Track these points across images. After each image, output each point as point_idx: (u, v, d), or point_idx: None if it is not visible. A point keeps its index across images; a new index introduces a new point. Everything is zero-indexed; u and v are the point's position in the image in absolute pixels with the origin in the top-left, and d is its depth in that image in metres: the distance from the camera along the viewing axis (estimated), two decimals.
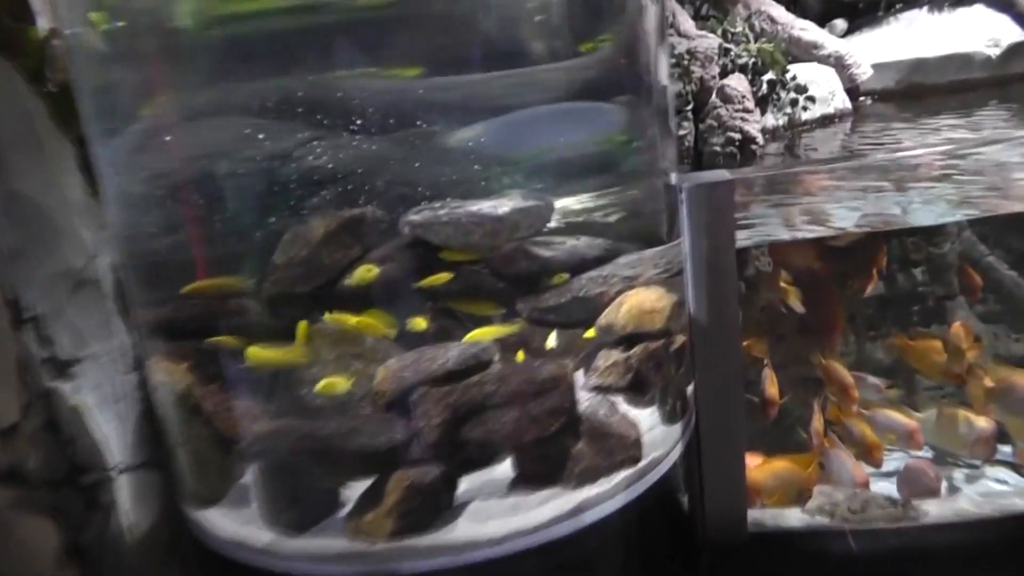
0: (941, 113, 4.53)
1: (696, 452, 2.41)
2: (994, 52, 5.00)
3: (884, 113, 4.70)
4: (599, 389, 2.25)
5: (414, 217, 1.99)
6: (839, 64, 4.57)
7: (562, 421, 1.95)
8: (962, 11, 5.19)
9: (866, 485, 3.29)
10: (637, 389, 2.23)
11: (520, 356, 2.05)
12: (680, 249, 2.28)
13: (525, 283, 2.26)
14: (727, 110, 3.73)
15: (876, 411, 3.67)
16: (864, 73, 4.68)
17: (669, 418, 2.26)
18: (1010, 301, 4.29)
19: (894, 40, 5.05)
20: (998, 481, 4.04)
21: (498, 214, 2.17)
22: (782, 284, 3.77)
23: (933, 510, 2.98)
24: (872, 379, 3.89)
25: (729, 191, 2.27)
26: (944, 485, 3.54)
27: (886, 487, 3.84)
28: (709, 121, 3.72)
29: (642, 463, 2.08)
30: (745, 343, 3.86)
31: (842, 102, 4.48)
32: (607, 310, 2.29)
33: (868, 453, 3.54)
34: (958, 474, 4.11)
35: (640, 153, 2.40)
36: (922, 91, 4.96)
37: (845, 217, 3.28)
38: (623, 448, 2.05)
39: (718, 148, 3.70)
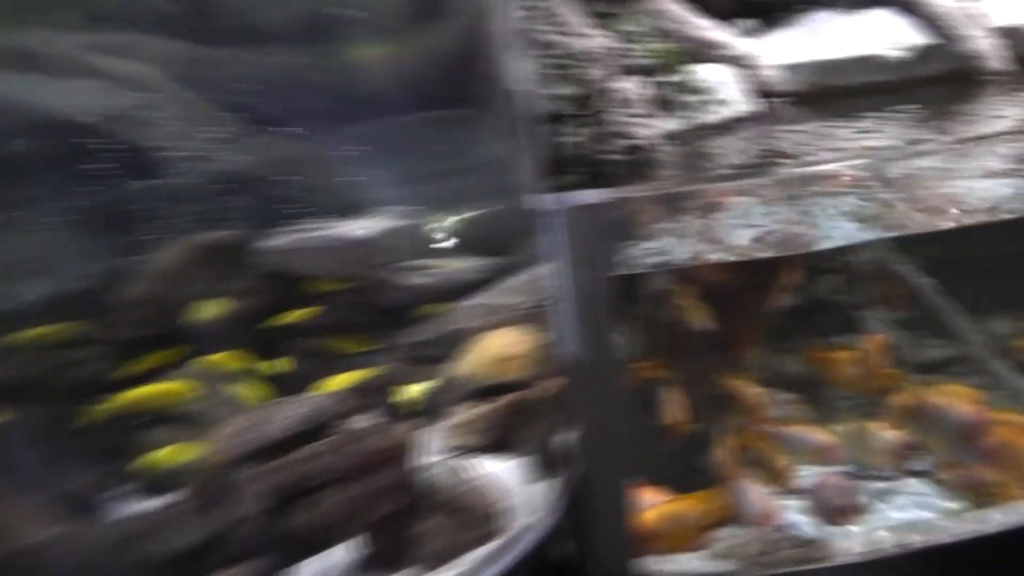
0: (853, 115, 4.41)
1: (580, 505, 2.18)
2: (900, 55, 4.86)
3: (792, 115, 4.52)
4: (459, 449, 1.99)
5: (274, 243, 1.74)
6: (746, 65, 4.35)
7: (410, 495, 1.68)
8: (873, 13, 5.05)
9: (773, 517, 3.10)
10: (501, 448, 2.00)
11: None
12: (555, 275, 2.04)
13: (398, 315, 2.04)
14: (621, 115, 3.47)
15: (790, 428, 3.50)
16: (771, 74, 4.47)
17: (544, 474, 2.02)
18: (925, 309, 4.13)
19: (804, 41, 4.87)
20: (916, 494, 3.91)
21: (367, 236, 1.93)
22: (684, 300, 3.54)
23: (849, 546, 2.78)
24: (782, 395, 3.72)
25: (607, 213, 2.06)
26: (861, 502, 3.38)
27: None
28: (604, 127, 3.45)
29: (513, 531, 1.80)
30: (648, 366, 3.63)
31: (746, 104, 4.26)
32: (463, 357, 2.05)
33: (778, 481, 3.36)
34: (875, 487, 3.96)
35: (494, 169, 2.17)
36: (833, 93, 4.76)
37: (747, 236, 3.07)
38: (486, 520, 1.80)
39: (612, 156, 3.44)
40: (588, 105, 3.46)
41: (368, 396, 1.90)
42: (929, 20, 4.93)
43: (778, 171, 3.33)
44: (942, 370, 4.19)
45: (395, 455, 1.75)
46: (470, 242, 2.17)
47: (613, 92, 3.52)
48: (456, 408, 1.99)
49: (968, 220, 3.02)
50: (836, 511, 3.25)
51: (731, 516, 3.18)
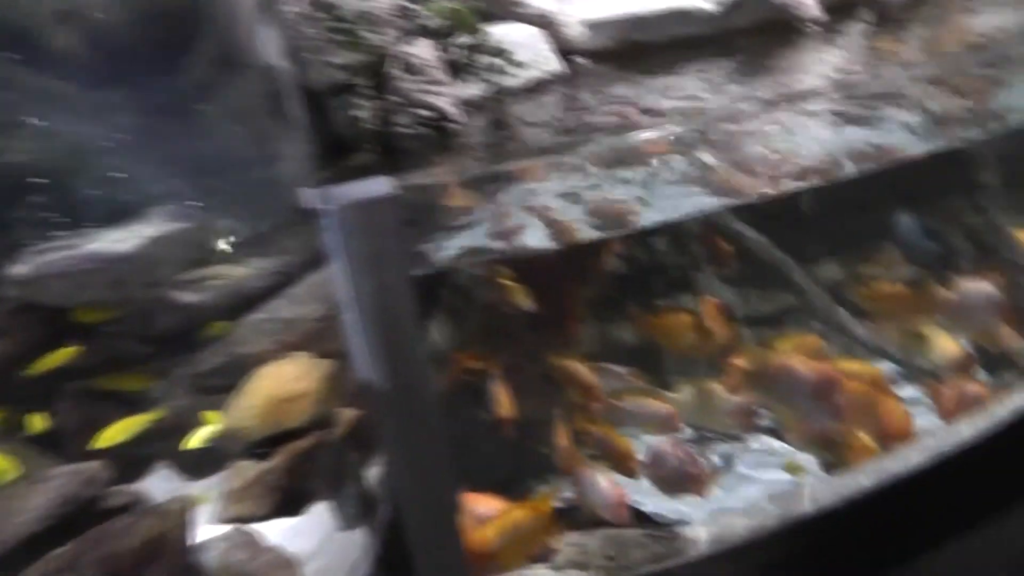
0: (664, 71, 4.20)
1: (402, 545, 1.83)
2: (712, 6, 4.67)
3: (603, 74, 4.28)
4: (236, 521, 1.61)
5: (19, 269, 1.36)
6: (546, 23, 4.07)
7: None
8: None
9: (623, 505, 2.84)
10: (290, 509, 1.63)
11: None
12: (343, 281, 1.69)
13: (177, 342, 1.67)
14: (412, 83, 3.11)
15: (627, 400, 3.25)
16: (575, 32, 4.21)
17: (348, 525, 1.66)
18: (757, 264, 3.96)
19: None
20: (766, 452, 3.77)
21: (128, 250, 1.53)
22: (504, 281, 3.23)
23: (703, 534, 2.54)
24: (616, 368, 3.47)
25: (391, 207, 1.70)
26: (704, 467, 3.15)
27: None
28: (392, 97, 3.09)
29: None
30: (470, 358, 3.31)
31: (553, 64, 3.98)
32: (232, 404, 1.68)
33: (622, 464, 3.10)
34: (724, 449, 3.79)
35: (258, 158, 1.80)
36: (642, 49, 4.54)
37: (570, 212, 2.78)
38: None
39: (406, 129, 3.09)
40: (375, 74, 3.09)
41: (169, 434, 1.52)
42: None
43: (592, 140, 3.04)
44: (781, 322, 4.06)
45: (154, 548, 1.35)
46: (246, 245, 1.78)
47: (402, 58, 3.16)
48: (234, 468, 1.60)
49: (791, 180, 2.83)
50: (678, 480, 3.03)
51: (578, 512, 2.92)
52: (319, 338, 1.78)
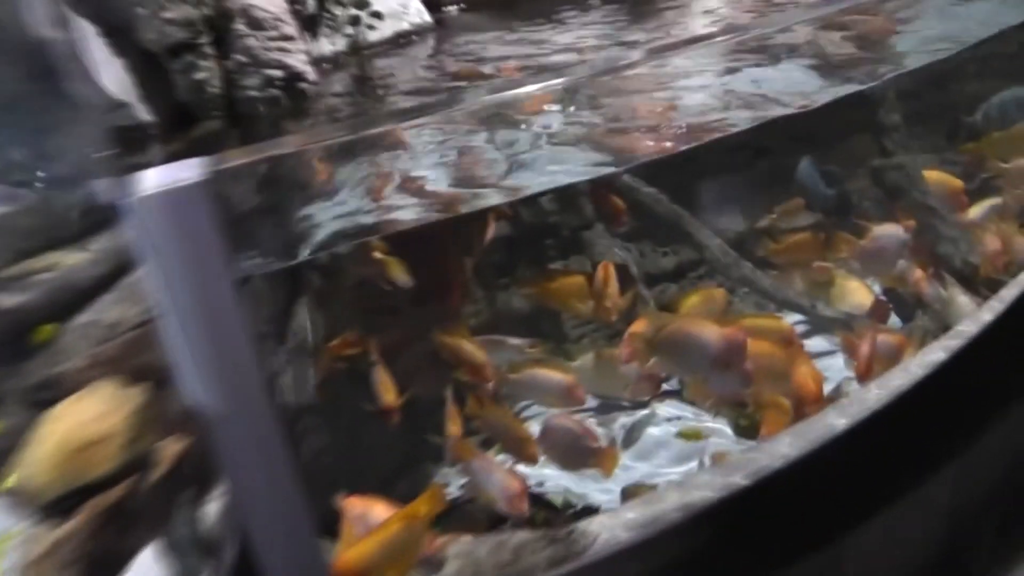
0: (542, 20, 3.90)
1: None
2: None
3: (475, 24, 3.96)
4: None
5: None
6: None
7: None
8: None
9: (522, 498, 2.58)
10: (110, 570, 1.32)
11: None
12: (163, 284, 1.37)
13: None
14: (259, 39, 2.74)
15: (525, 373, 2.99)
16: None
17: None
18: (651, 218, 3.73)
19: None
20: (671, 419, 3.58)
21: None
22: (377, 255, 2.91)
23: (605, 527, 2.30)
24: (513, 340, 3.20)
25: (200, 196, 1.37)
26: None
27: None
28: (237, 56, 2.72)
29: None
30: (346, 343, 3.00)
31: (419, 15, 3.63)
32: (22, 455, 1.34)
33: (520, 449, 2.85)
34: (626, 420, 3.58)
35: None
36: None
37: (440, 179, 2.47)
38: None
39: (255, 92, 2.72)
40: (218, 30, 2.71)
41: None
42: None
43: (467, 96, 2.73)
44: (683, 278, 3.85)
45: None
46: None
47: (247, 11, 2.78)
48: (28, 535, 1.27)
49: (684, 133, 2.58)
50: (577, 455, 2.80)
51: (473, 507, 2.66)
52: (139, 349, 1.45)
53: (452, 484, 3.16)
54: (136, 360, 1.47)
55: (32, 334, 1.42)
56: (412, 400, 2.96)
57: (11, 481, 1.26)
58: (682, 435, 3.45)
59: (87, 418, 1.30)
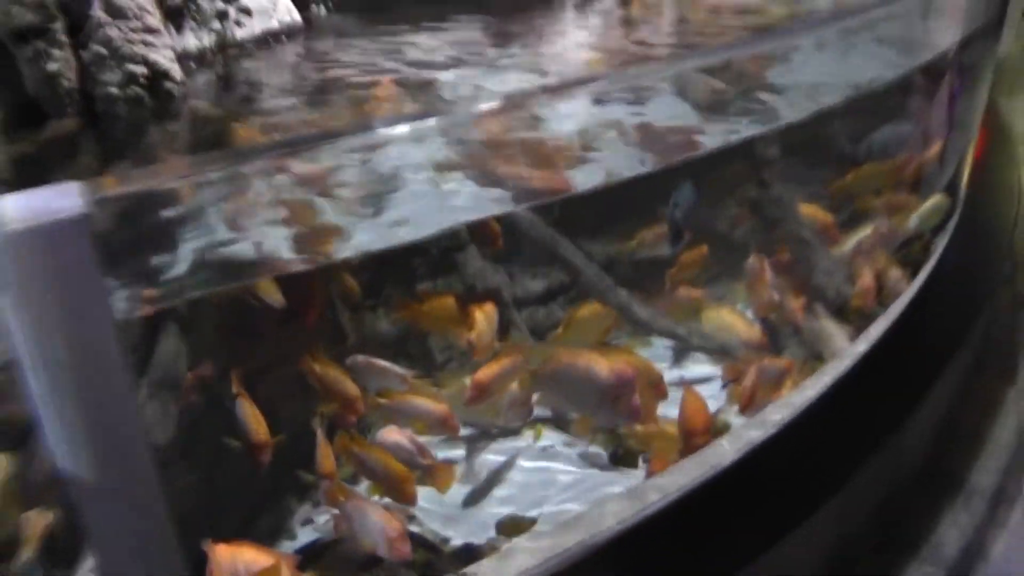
0: (412, 25, 3.78)
1: None
2: None
3: (344, 27, 3.74)
4: None
5: None
6: None
7: None
8: None
9: (403, 540, 2.40)
10: None
11: None
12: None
13: None
14: (120, 30, 2.44)
15: (397, 400, 2.83)
16: None
17: None
18: (526, 240, 3.61)
19: None
20: (544, 450, 3.48)
21: None
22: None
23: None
24: (397, 369, 3.03)
25: (82, 231, 1.14)
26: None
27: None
28: (95, 47, 2.40)
29: None
30: (209, 373, 2.72)
31: (288, 13, 3.40)
32: None
33: (398, 489, 2.66)
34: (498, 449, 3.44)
35: None
36: None
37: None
38: None
39: (115, 89, 2.41)
40: (70, 15, 2.40)
41: None
42: None
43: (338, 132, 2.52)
44: (553, 301, 3.74)
45: None
46: None
47: None
48: None
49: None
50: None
51: (353, 542, 2.44)
52: None
53: (319, 521, 2.94)
54: None
55: None
56: (282, 432, 2.70)
57: None
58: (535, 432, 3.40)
59: None
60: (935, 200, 3.75)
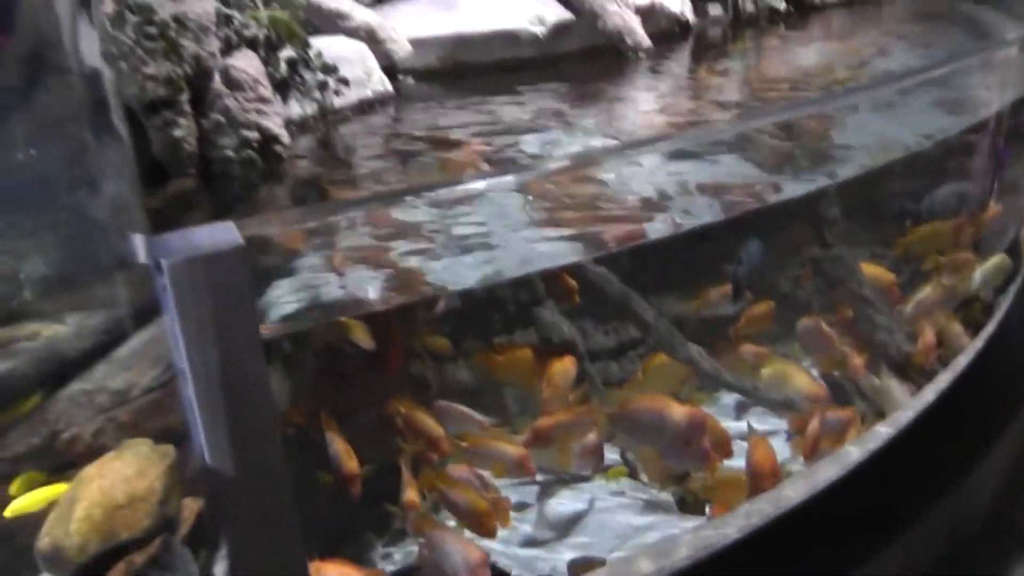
0: (494, 96, 4.05)
1: None
2: (540, 30, 4.63)
3: (431, 95, 4.05)
4: None
5: None
6: (372, 38, 3.79)
7: None
8: None
9: (483, 568, 2.57)
10: None
11: None
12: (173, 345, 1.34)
13: None
14: (237, 100, 2.73)
15: (479, 443, 3.01)
16: (402, 49, 3.93)
17: None
18: (599, 296, 3.79)
19: (432, 14, 4.46)
20: (615, 496, 3.60)
21: None
22: (343, 320, 2.89)
23: None
24: (477, 416, 3.22)
25: (239, 262, 1.36)
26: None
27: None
28: (214, 116, 2.70)
29: None
30: (305, 409, 2.95)
31: (381, 83, 3.70)
32: (51, 518, 1.29)
33: (480, 523, 2.83)
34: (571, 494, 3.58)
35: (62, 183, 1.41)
36: (468, 69, 4.43)
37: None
38: None
39: (231, 152, 2.70)
40: (196, 89, 2.69)
41: None
42: None
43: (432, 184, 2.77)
44: (624, 356, 3.91)
45: None
46: (60, 294, 1.39)
47: (226, 71, 2.77)
48: None
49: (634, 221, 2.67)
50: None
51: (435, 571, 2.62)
52: (156, 412, 1.41)
53: (396, 557, 3.12)
54: (154, 423, 1.43)
55: (16, 403, 1.39)
56: (369, 467, 2.91)
57: (43, 541, 1.20)
58: (607, 476, 3.50)
59: (123, 477, 1.26)
60: (997, 260, 3.87)
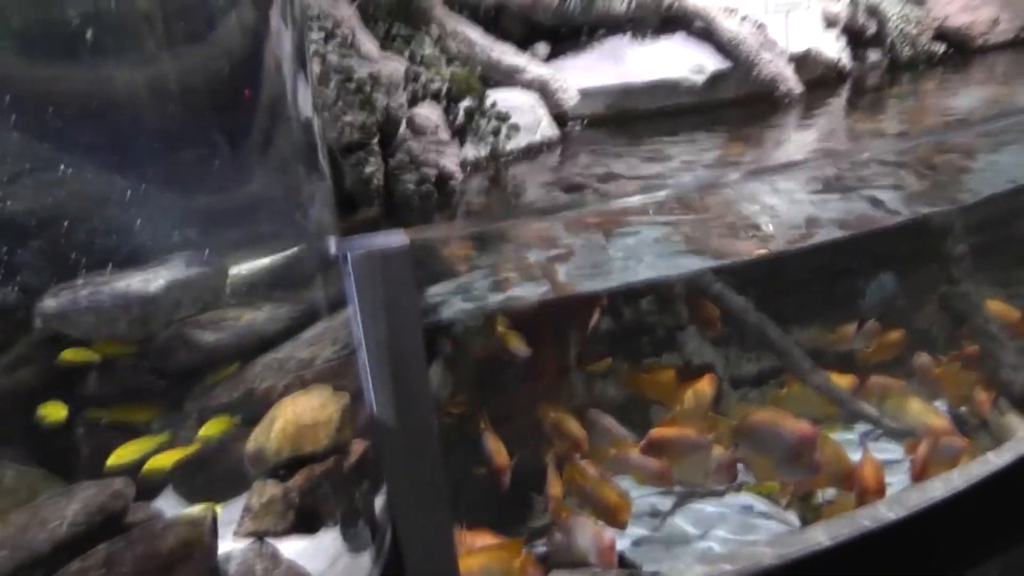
0: (654, 138, 4.45)
1: (400, 570, 1.92)
2: (699, 79, 4.98)
3: (595, 139, 4.49)
4: (255, 536, 1.70)
5: (49, 303, 1.53)
6: (544, 89, 4.26)
7: None
8: (665, 39, 5.18)
9: (612, 551, 2.93)
10: (305, 528, 1.73)
11: None
12: (356, 325, 1.80)
13: (191, 377, 1.75)
14: (419, 143, 3.26)
15: (625, 452, 3.37)
16: (571, 98, 4.40)
17: (355, 548, 1.76)
18: (741, 325, 4.08)
19: (600, 66, 4.89)
20: (744, 509, 3.84)
21: (150, 292, 1.64)
22: (500, 329, 3.34)
23: None
24: (621, 428, 3.59)
25: (405, 259, 1.82)
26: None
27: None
28: (400, 156, 3.23)
29: None
30: (465, 406, 3.40)
31: (549, 129, 4.17)
32: (256, 430, 1.77)
33: (612, 516, 3.19)
34: (702, 506, 3.86)
35: (284, 207, 1.90)
36: (632, 116, 4.86)
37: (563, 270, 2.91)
38: None
39: (412, 186, 3.23)
40: (385, 134, 3.23)
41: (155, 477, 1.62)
42: (724, 46, 5.07)
43: (587, 203, 3.19)
44: (764, 383, 4.17)
45: (181, 555, 1.46)
46: (264, 289, 1.89)
47: (411, 119, 3.30)
48: (255, 488, 1.70)
49: (771, 245, 2.98)
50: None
51: (568, 551, 2.99)
52: (335, 375, 1.87)
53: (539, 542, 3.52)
54: (333, 382, 1.89)
55: (222, 366, 1.84)
56: (515, 461, 3.33)
57: (250, 445, 1.69)
58: (756, 490, 3.75)
59: (310, 407, 1.73)
60: None
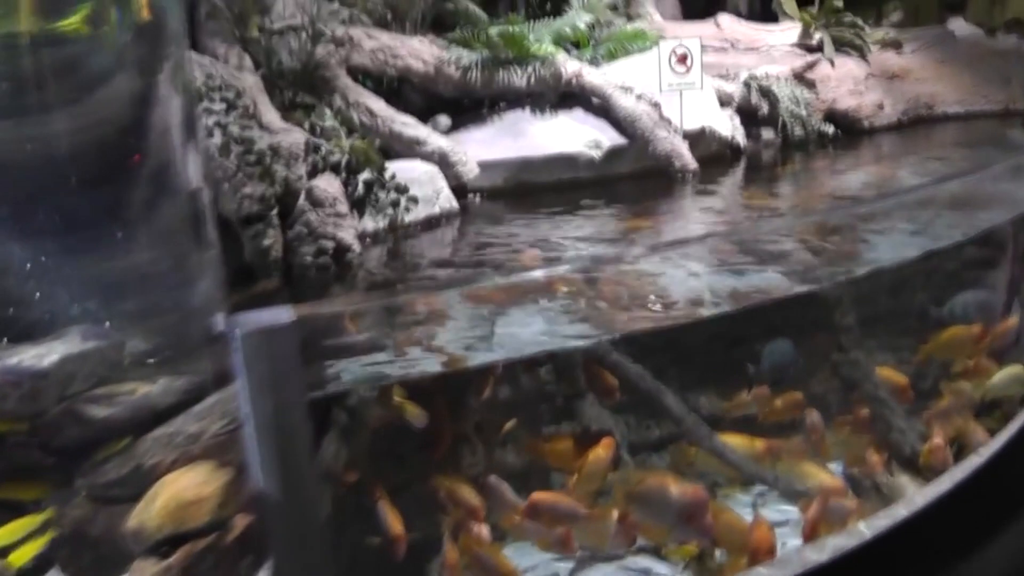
0: (552, 211, 4.54)
1: None
2: (596, 153, 5.17)
3: (494, 212, 4.57)
4: None
5: None
6: (444, 161, 4.35)
7: None
8: (563, 114, 5.38)
9: None
10: None
11: None
12: (243, 400, 1.81)
13: (81, 453, 1.72)
14: (317, 215, 3.30)
15: (526, 519, 3.38)
16: (471, 171, 4.49)
17: None
18: (637, 393, 4.16)
19: (500, 139, 5.04)
20: (643, 572, 3.86)
21: (42, 368, 1.62)
22: (396, 398, 3.35)
23: None
24: (516, 498, 3.59)
25: (291, 335, 1.84)
26: None
27: None
28: (298, 228, 3.26)
29: None
30: (357, 478, 3.39)
31: (448, 201, 4.26)
32: (138, 507, 1.75)
33: None
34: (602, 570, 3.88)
35: (175, 280, 1.91)
36: (530, 189, 4.99)
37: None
38: None
39: (310, 259, 3.25)
40: (284, 206, 3.26)
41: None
42: (621, 122, 5.26)
43: (487, 278, 3.27)
44: (663, 448, 4.24)
45: None
46: (156, 362, 1.89)
47: (308, 191, 3.34)
48: (134, 565, 1.68)
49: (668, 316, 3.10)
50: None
51: None
52: (221, 450, 1.88)
53: None
54: (219, 457, 1.89)
55: (112, 442, 1.83)
56: (411, 533, 3.32)
57: (131, 523, 1.68)
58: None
59: (192, 483, 1.73)
60: (1016, 370, 4.10)
